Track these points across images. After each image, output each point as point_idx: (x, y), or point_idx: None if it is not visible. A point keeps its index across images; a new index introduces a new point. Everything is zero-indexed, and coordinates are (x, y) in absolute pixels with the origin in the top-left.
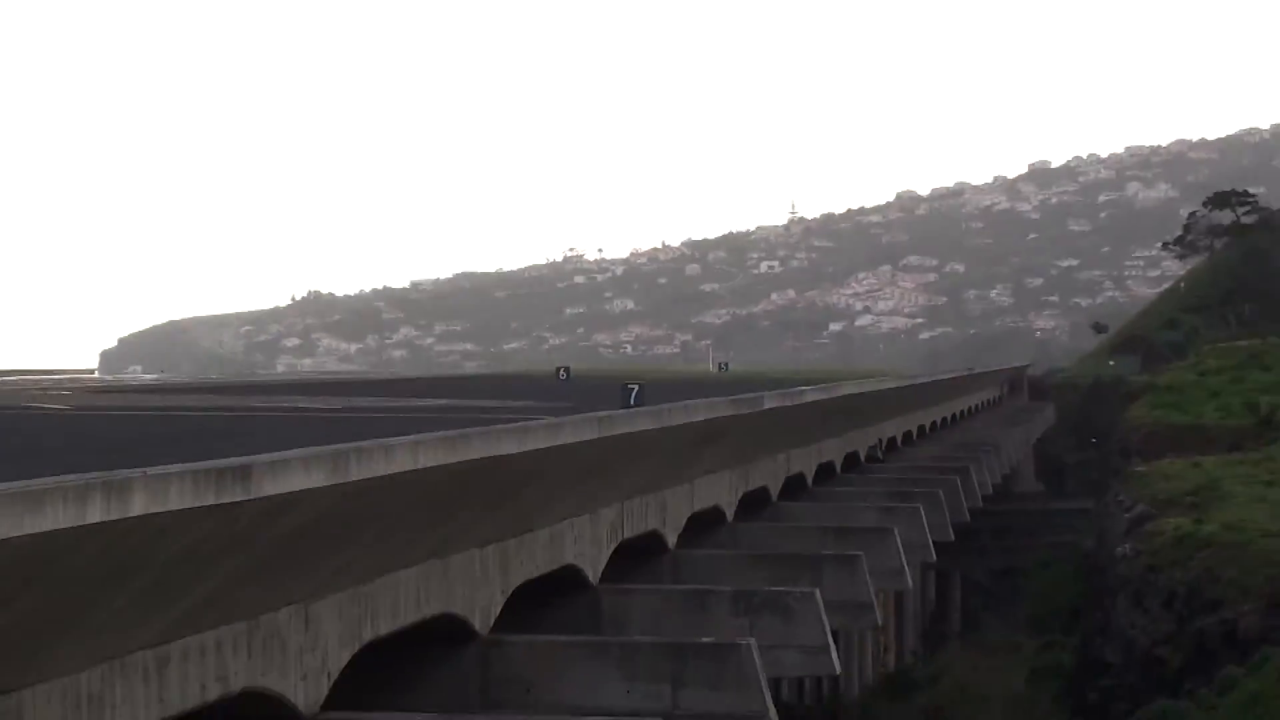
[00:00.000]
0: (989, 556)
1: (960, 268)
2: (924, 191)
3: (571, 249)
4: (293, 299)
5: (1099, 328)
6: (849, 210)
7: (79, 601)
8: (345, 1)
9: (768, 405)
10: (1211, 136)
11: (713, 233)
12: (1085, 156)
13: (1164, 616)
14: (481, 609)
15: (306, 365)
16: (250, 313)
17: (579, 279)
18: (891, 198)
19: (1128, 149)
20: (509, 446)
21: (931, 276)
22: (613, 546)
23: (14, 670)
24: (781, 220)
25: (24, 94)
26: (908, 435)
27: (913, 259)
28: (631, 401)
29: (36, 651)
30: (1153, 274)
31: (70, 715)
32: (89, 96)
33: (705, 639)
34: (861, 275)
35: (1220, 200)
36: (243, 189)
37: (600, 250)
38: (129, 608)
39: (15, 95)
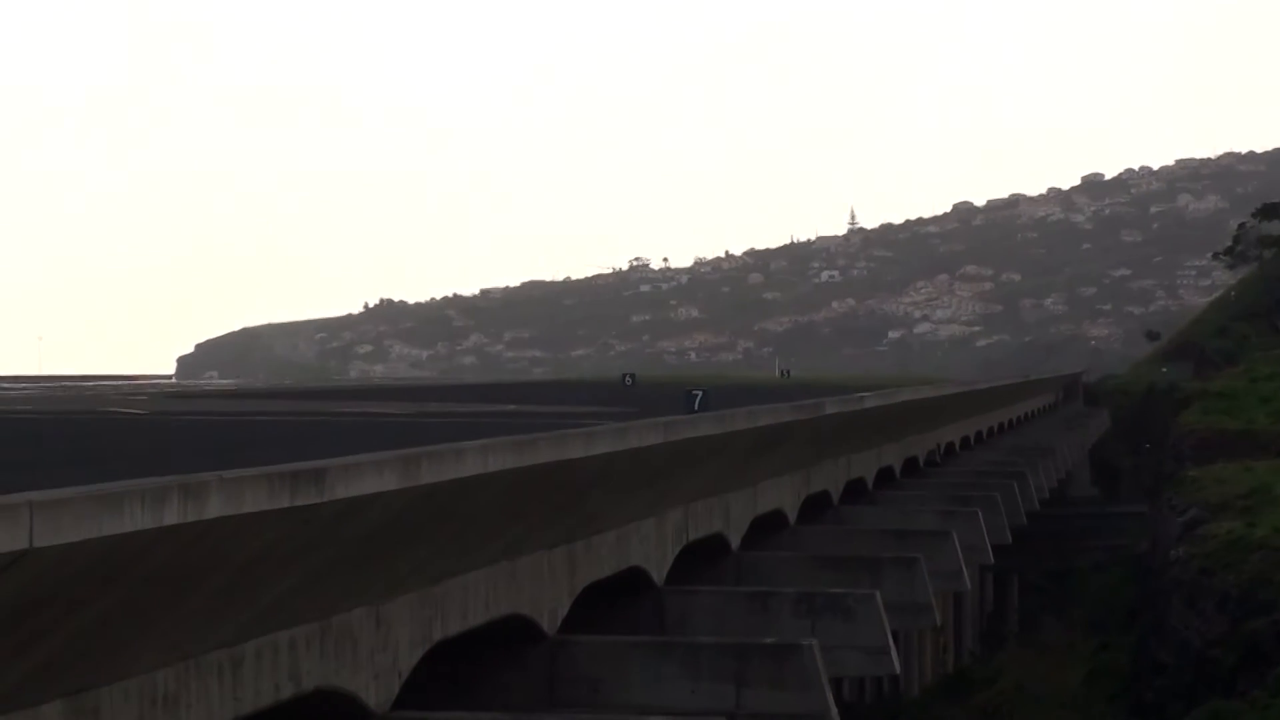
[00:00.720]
0: (1045, 559)
1: (1016, 277)
2: (980, 203)
3: (637, 258)
4: (366, 306)
5: (1152, 335)
6: (907, 221)
7: (155, 602)
8: (421, 10)
9: (829, 411)
10: (1260, 149)
11: (775, 242)
12: (1137, 169)
13: (1217, 618)
14: (549, 610)
15: (379, 371)
16: (324, 320)
17: (644, 287)
18: (949, 209)
19: (1178, 161)
20: (576, 450)
21: (988, 285)
22: (678, 548)
23: (92, 669)
24: (841, 230)
25: (104, 101)
26: (965, 440)
27: (969, 268)
28: (695, 406)
29: (114, 650)
30: (1204, 283)
31: (146, 713)
32: (166, 103)
33: (768, 640)
34: (919, 284)
35: (1269, 211)
36: (317, 198)
37: (665, 259)
38: (204, 608)
39: (97, 103)
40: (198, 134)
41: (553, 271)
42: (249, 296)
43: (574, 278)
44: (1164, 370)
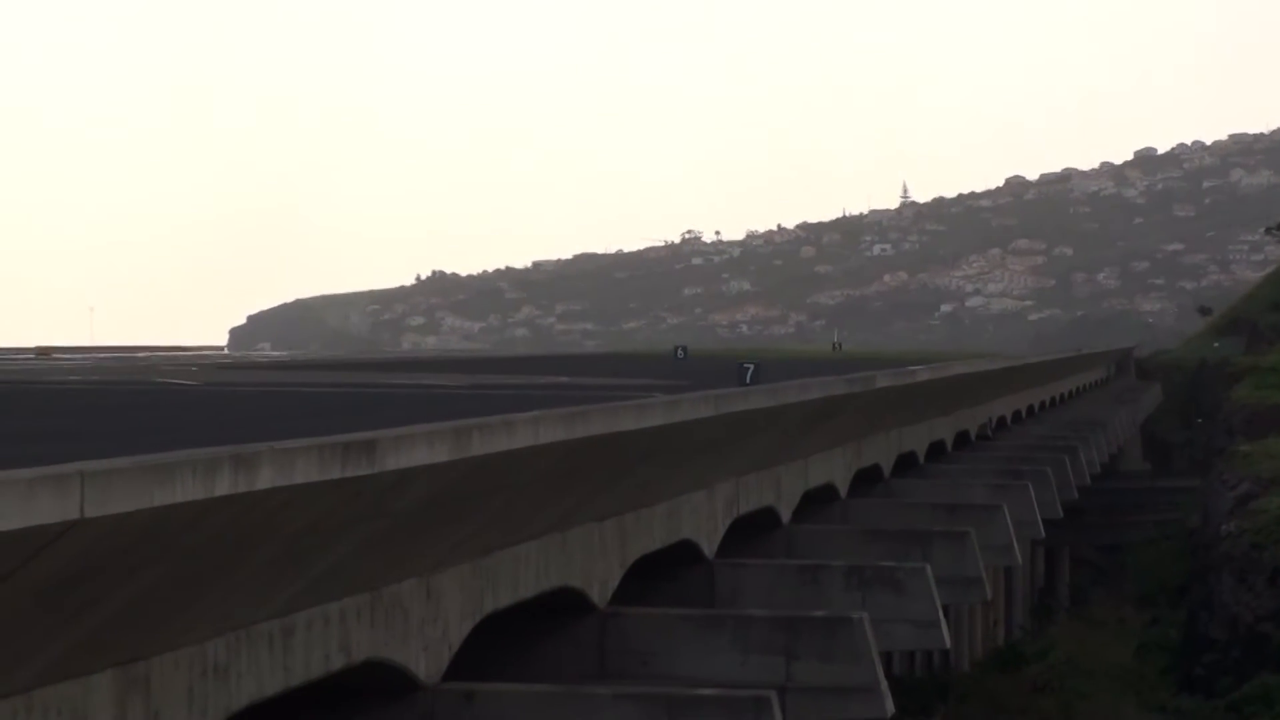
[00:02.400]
0: (1096, 533)
1: (1068, 251)
2: (1033, 176)
3: (689, 231)
4: (418, 279)
5: (1204, 310)
6: (960, 194)
7: (206, 572)
8: None
9: (880, 384)
10: None
11: (827, 216)
12: (1190, 144)
13: (1268, 593)
14: (600, 582)
15: (431, 344)
16: (376, 292)
17: (696, 260)
18: (1001, 182)
19: (1231, 136)
20: (627, 423)
21: (1040, 260)
22: (728, 522)
23: (142, 639)
24: (894, 204)
25: (156, 69)
26: (1017, 414)
27: (1022, 242)
28: (747, 380)
29: (164, 621)
30: (1256, 258)
31: (197, 684)
32: (220, 71)
33: (818, 613)
34: (972, 258)
35: None
36: (371, 170)
37: (718, 232)
38: (255, 578)
39: (149, 71)
40: (252, 103)
41: (605, 244)
42: (301, 268)
43: (626, 250)
44: (1216, 345)
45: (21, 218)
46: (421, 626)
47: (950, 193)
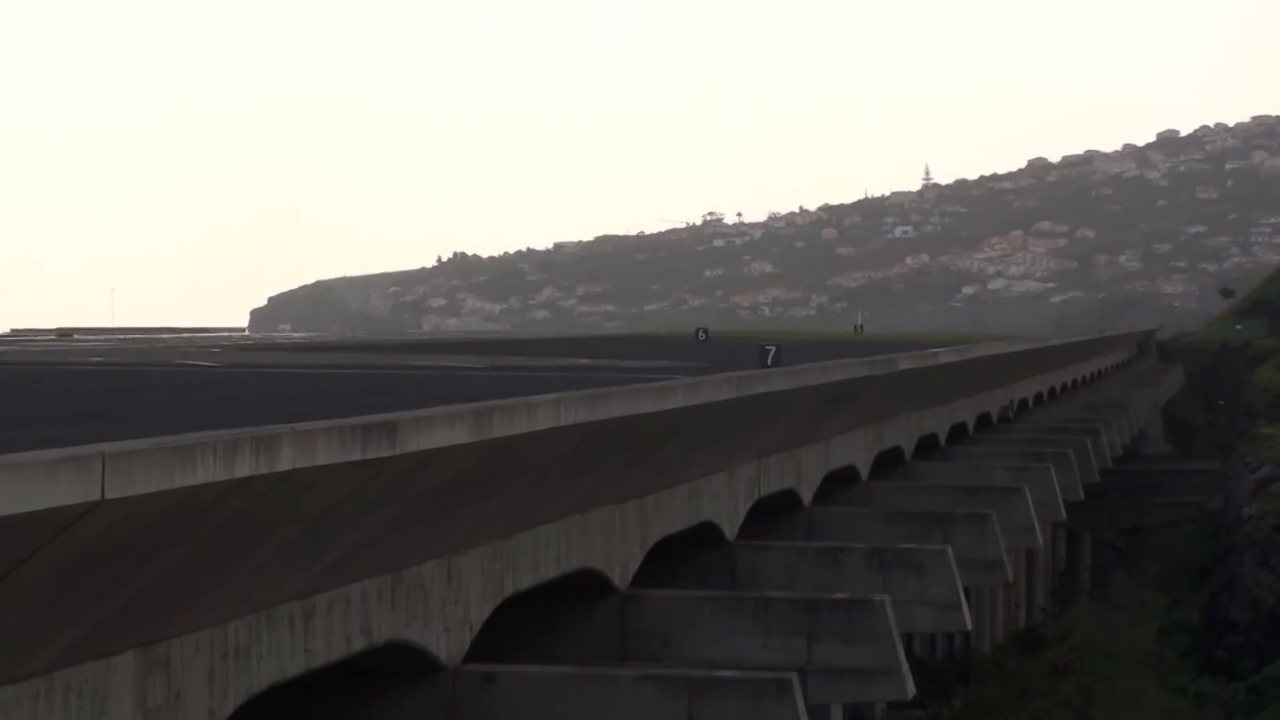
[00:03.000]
0: (1118, 515)
1: (1090, 234)
2: (1055, 159)
3: (711, 213)
4: (439, 260)
5: (1226, 292)
6: (982, 176)
7: (227, 554)
8: None
9: (902, 366)
10: None
11: (849, 198)
12: (1212, 126)
13: None
14: (621, 564)
15: (452, 325)
16: (397, 273)
17: (718, 242)
18: (1023, 165)
19: (1254, 118)
20: (649, 405)
21: (1062, 242)
22: (749, 504)
23: (163, 620)
24: (916, 186)
25: (175, 52)
26: (1039, 397)
27: (1044, 224)
28: (769, 362)
29: (185, 602)
30: (1278, 240)
31: (218, 665)
32: (238, 54)
33: (839, 595)
34: (994, 240)
35: None
36: (390, 151)
37: (739, 214)
38: (275, 560)
39: (168, 54)
40: (273, 82)
41: (626, 226)
42: (322, 249)
43: (647, 232)
44: (1238, 327)
45: (42, 199)
46: (442, 608)
47: (972, 174)
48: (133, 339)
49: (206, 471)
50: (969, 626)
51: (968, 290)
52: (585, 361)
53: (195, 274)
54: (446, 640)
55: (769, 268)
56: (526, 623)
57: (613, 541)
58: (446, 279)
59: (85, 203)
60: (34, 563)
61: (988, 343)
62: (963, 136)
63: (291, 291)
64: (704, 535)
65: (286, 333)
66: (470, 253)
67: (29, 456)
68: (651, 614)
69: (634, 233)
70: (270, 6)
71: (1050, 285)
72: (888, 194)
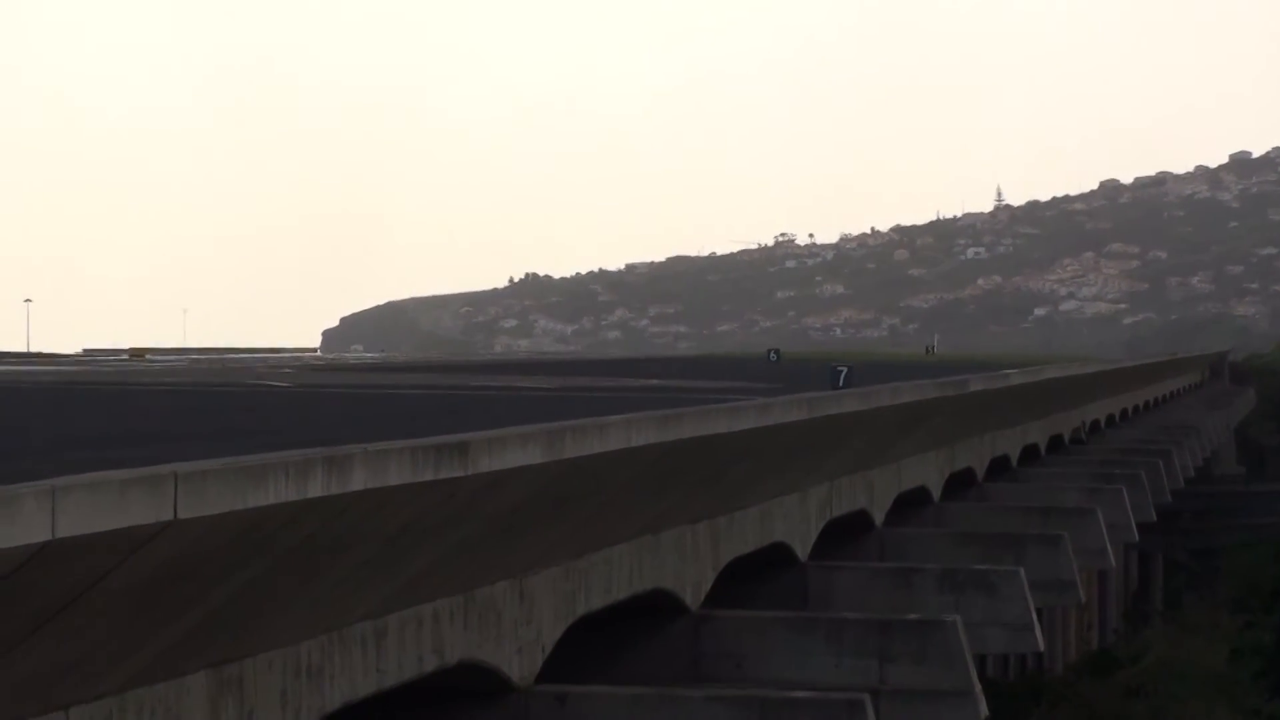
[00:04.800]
0: (1190, 537)
1: (1162, 255)
2: (1127, 180)
3: (783, 234)
4: (510, 281)
5: None
6: (1054, 198)
7: (299, 574)
8: None
9: (973, 388)
10: None
11: (921, 219)
12: None
13: None
14: (693, 584)
15: (523, 346)
16: (469, 294)
17: (790, 263)
18: (1095, 186)
19: None
20: (720, 426)
21: (1134, 263)
22: (821, 524)
23: (236, 641)
24: (988, 207)
25: (246, 71)
26: (1111, 418)
27: (1116, 246)
28: (840, 383)
29: (257, 622)
30: None
31: (290, 685)
32: (310, 73)
33: (911, 616)
34: (1065, 262)
35: None
36: (463, 172)
37: (811, 235)
38: (347, 580)
39: (238, 73)
40: (346, 103)
41: (698, 246)
42: (394, 269)
43: (719, 253)
44: None
45: (115, 220)
46: (515, 628)
47: (1044, 196)
48: (205, 359)
49: (278, 492)
50: (1041, 648)
51: (1039, 312)
52: (656, 382)
53: (268, 294)
54: (519, 660)
55: (840, 289)
56: (598, 643)
57: (685, 562)
58: (518, 299)
59: (158, 223)
60: (107, 583)
61: (1059, 364)
62: (1035, 157)
63: (364, 312)
64: (776, 556)
65: (359, 353)
66: (542, 273)
67: (102, 476)
68: (724, 635)
69: (706, 253)
70: (342, 26)
71: (1122, 307)
72: (960, 215)
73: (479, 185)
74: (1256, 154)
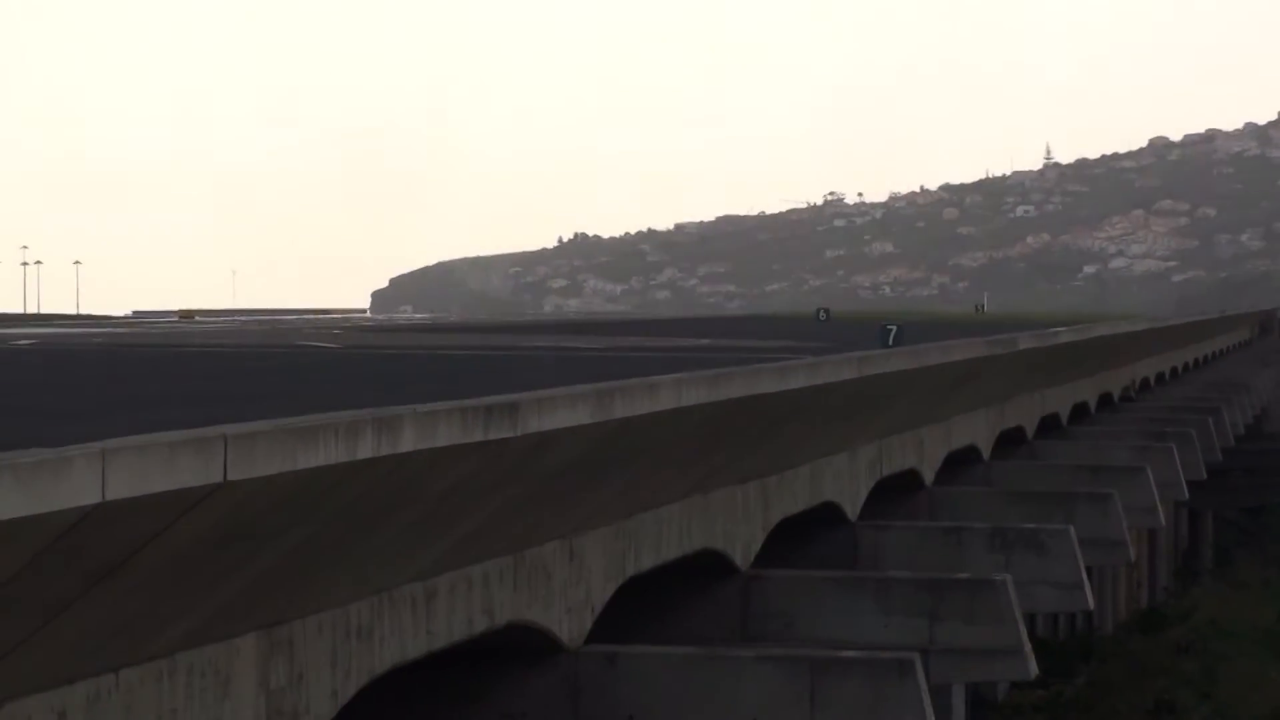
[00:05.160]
0: (1241, 494)
1: (1211, 212)
2: (1176, 137)
3: (832, 193)
4: (560, 241)
5: None
6: (1103, 155)
7: (348, 535)
8: None
9: (1022, 346)
10: None
11: (970, 177)
12: None
13: None
14: (743, 544)
15: (573, 306)
16: (518, 254)
17: (839, 222)
18: (1144, 143)
19: None
20: (769, 385)
21: (1183, 221)
22: (871, 484)
23: (286, 602)
24: (1037, 165)
25: (298, 34)
26: (1160, 376)
27: (1165, 203)
28: (890, 342)
29: (307, 584)
30: None
31: (340, 647)
32: (360, 32)
33: (961, 575)
34: (1114, 219)
35: None
36: (512, 132)
37: (860, 194)
38: (397, 542)
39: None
40: (394, 68)
41: (747, 206)
42: (443, 230)
43: (768, 212)
44: None
45: (164, 181)
46: (564, 589)
47: (1093, 153)
48: (254, 320)
49: (328, 453)
50: (1091, 606)
51: (1089, 270)
52: (706, 342)
53: (317, 255)
54: (569, 621)
55: (890, 247)
56: (648, 604)
57: (734, 521)
58: (568, 259)
59: (207, 184)
60: (156, 545)
61: (1108, 322)
62: (1084, 115)
63: (413, 272)
64: (825, 515)
65: (407, 313)
66: (591, 233)
67: (151, 438)
68: (773, 594)
69: (755, 213)
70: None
71: (1171, 264)
72: (1009, 173)
73: (528, 145)
74: None
